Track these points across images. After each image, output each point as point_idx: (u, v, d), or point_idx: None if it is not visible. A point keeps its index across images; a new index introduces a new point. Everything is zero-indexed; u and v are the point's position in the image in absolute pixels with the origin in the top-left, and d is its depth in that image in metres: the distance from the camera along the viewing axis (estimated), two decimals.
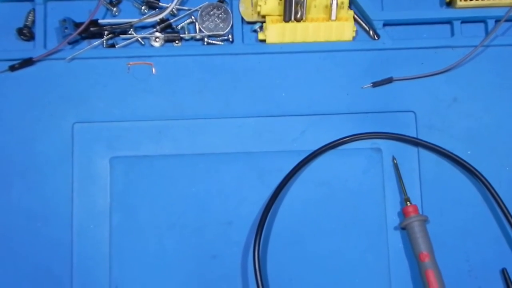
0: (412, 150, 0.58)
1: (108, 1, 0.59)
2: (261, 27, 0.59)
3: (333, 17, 0.57)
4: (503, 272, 0.56)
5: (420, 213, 0.56)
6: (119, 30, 0.59)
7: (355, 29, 0.59)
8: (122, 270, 0.55)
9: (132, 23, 0.58)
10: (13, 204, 0.56)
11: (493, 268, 0.56)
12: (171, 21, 0.59)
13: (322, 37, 0.58)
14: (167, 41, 0.59)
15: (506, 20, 0.59)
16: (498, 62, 0.59)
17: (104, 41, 0.59)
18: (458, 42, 0.59)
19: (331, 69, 0.59)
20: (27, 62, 0.58)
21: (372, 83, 0.58)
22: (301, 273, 0.56)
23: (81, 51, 0.58)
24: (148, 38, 0.59)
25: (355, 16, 0.59)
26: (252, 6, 0.59)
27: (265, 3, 0.57)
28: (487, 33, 0.59)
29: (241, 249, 0.56)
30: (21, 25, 0.59)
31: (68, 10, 0.59)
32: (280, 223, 0.56)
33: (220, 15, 0.59)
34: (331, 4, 0.57)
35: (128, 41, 0.59)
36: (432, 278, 0.53)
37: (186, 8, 0.60)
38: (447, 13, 0.59)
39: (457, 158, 0.56)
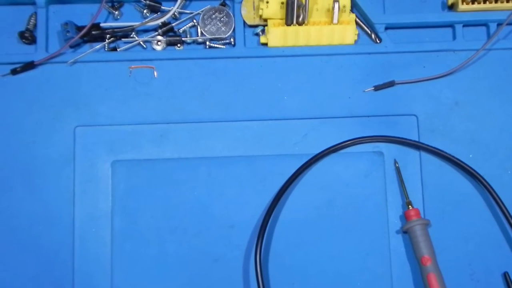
0: (414, 153, 0.58)
1: (110, 4, 0.59)
2: (263, 31, 0.59)
3: (335, 21, 0.57)
4: (505, 275, 0.56)
5: (422, 216, 0.56)
6: (121, 34, 0.59)
7: (357, 32, 0.59)
8: (123, 274, 0.55)
9: (134, 26, 0.58)
10: (15, 208, 0.56)
11: (495, 271, 0.56)
12: (173, 24, 0.59)
13: (324, 40, 0.58)
14: (169, 44, 0.59)
15: (508, 24, 0.59)
16: (500, 66, 0.59)
17: (106, 45, 0.59)
18: (460, 46, 0.59)
19: (333, 73, 0.59)
20: (29, 66, 0.58)
21: (374, 86, 0.58)
22: (303, 277, 0.56)
23: (83, 54, 0.58)
24: (150, 42, 0.59)
25: (357, 19, 0.59)
26: (254, 9, 0.59)
27: (267, 6, 0.57)
28: (489, 36, 0.59)
29: (243, 253, 0.56)
30: (23, 28, 0.59)
31: (70, 13, 0.59)
32: (282, 226, 0.56)
33: (222, 19, 0.59)
34: (333, 8, 0.57)
35: (130, 44, 0.59)
36: (434, 282, 0.53)
37: (188, 11, 0.60)
38: (449, 16, 0.59)
39: (459, 162, 0.56)
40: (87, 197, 0.56)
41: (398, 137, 0.57)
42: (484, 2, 0.58)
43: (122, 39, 0.59)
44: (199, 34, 0.59)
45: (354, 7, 0.59)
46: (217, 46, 0.59)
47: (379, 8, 0.60)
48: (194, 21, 0.60)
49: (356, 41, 0.59)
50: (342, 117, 0.58)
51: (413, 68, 0.59)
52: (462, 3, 0.58)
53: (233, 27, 0.59)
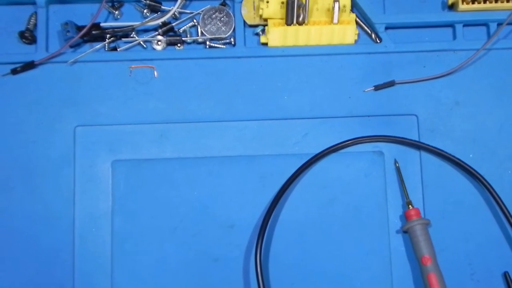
0: (414, 153, 0.58)
1: (110, 4, 0.59)
2: (263, 30, 0.59)
3: (335, 21, 0.57)
4: (505, 275, 0.56)
5: (422, 216, 0.56)
6: (121, 33, 0.59)
7: (357, 32, 0.59)
8: (124, 273, 0.55)
9: (134, 26, 0.58)
10: (15, 207, 0.56)
11: (495, 271, 0.56)
12: (173, 24, 0.59)
13: (324, 40, 0.58)
14: (169, 44, 0.59)
15: (508, 24, 0.59)
16: (500, 65, 0.59)
17: (106, 44, 0.59)
18: (460, 46, 0.59)
19: (333, 72, 0.59)
20: (29, 66, 0.58)
21: (374, 86, 0.58)
22: (303, 277, 0.56)
23: (83, 54, 0.58)
24: (150, 42, 0.59)
25: (357, 19, 0.59)
26: (254, 9, 0.59)
27: (267, 6, 0.57)
28: (489, 36, 0.59)
29: (243, 253, 0.56)
30: (23, 28, 0.59)
31: (70, 13, 0.59)
32: (282, 226, 0.56)
33: (222, 18, 0.59)
34: (333, 8, 0.57)
35: (130, 44, 0.59)
36: (434, 281, 0.53)
37: (188, 11, 0.60)
38: (449, 16, 0.59)
39: (459, 161, 0.56)
40: (87, 197, 0.56)
41: (398, 137, 0.57)
42: (484, 2, 0.58)
43: (122, 39, 0.59)
44: (199, 34, 0.59)
45: (354, 7, 0.59)
46: (217, 46, 0.59)
47: (379, 8, 0.60)
48: (194, 21, 0.60)
49: (356, 41, 0.59)
50: (342, 117, 0.58)
51: (413, 67, 0.59)
52: (462, 3, 0.58)
53: (233, 27, 0.59)
